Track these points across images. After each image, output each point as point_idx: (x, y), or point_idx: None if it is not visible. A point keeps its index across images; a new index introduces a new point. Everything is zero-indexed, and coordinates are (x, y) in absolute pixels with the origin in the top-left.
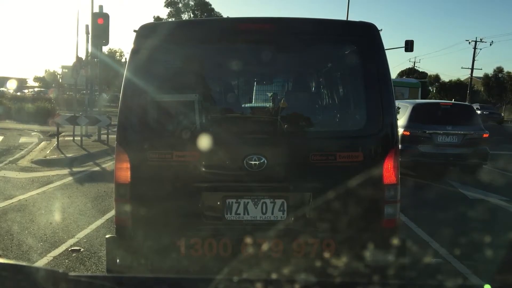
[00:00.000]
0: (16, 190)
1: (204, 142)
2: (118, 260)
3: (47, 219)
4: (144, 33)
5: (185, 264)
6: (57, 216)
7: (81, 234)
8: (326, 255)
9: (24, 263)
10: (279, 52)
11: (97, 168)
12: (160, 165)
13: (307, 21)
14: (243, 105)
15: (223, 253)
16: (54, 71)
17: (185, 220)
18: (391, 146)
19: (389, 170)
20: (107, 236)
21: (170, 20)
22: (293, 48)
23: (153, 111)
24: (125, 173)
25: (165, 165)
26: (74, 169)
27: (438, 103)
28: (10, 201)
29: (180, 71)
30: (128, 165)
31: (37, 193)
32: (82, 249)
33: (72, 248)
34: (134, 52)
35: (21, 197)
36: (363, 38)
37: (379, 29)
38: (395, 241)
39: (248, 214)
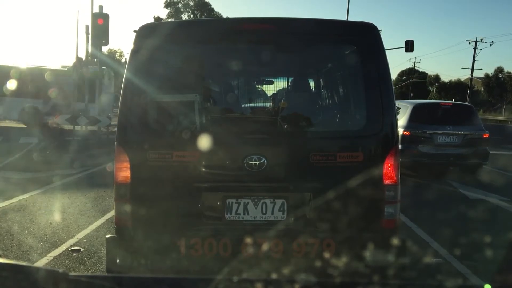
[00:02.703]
0: (16, 190)
1: (204, 142)
2: (118, 260)
3: (47, 219)
4: (144, 33)
5: (185, 264)
6: (57, 216)
7: (81, 234)
8: (326, 255)
9: (24, 263)
10: (279, 52)
11: (97, 168)
12: (160, 165)
13: (307, 21)
14: (243, 105)
15: (223, 253)
16: None
17: (185, 220)
18: (391, 146)
19: (389, 170)
20: (107, 236)
21: (170, 20)
22: (293, 48)
23: (153, 111)
24: (125, 173)
25: (165, 165)
26: (74, 169)
27: (438, 103)
28: (10, 201)
29: (180, 71)
30: (128, 165)
31: (37, 193)
32: (82, 249)
33: (72, 248)
34: (134, 52)
35: (21, 197)
36: (363, 38)
37: (379, 29)
38: (395, 241)
39: (248, 214)
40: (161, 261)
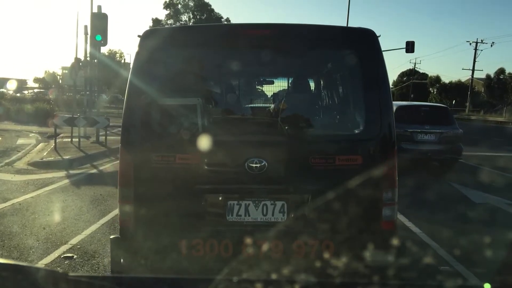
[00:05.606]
0: (10, 193)
1: (206, 145)
2: (121, 260)
3: (40, 224)
4: (148, 37)
5: (188, 265)
6: (50, 221)
7: (74, 240)
8: (326, 256)
9: (24, 263)
10: (282, 58)
11: (94, 170)
12: (163, 167)
13: (308, 27)
14: (244, 109)
15: (225, 253)
16: (53, 72)
17: (188, 221)
18: (389, 149)
19: (387, 173)
20: (111, 236)
21: (169, 21)
22: (294, 54)
23: (157, 114)
24: (128, 174)
25: (168, 167)
26: (71, 171)
27: (418, 105)
28: (3, 205)
29: (183, 75)
30: (132, 167)
31: (31, 197)
32: (75, 256)
33: (65, 255)
34: (138, 56)
35: (14, 200)
36: (362, 44)
37: (377, 34)
38: (394, 243)
39: (249, 215)
40: (164, 262)
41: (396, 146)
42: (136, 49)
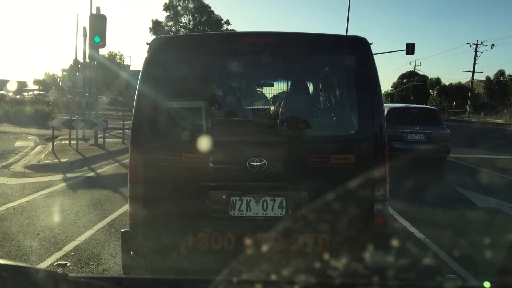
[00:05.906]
0: (5, 197)
1: (211, 145)
2: (132, 253)
3: (35, 229)
4: (157, 45)
5: (195, 258)
6: (45, 226)
7: (69, 247)
8: (321, 248)
9: (24, 264)
10: (281, 63)
11: (91, 174)
12: (170, 166)
13: (306, 35)
14: (246, 111)
15: (228, 246)
16: (53, 74)
17: (194, 217)
18: (381, 148)
19: (379, 170)
20: (122, 230)
21: (169, 23)
22: (293, 59)
23: (164, 116)
24: (138, 172)
25: (175, 166)
26: (68, 175)
27: (408, 107)
28: None
29: (189, 80)
30: (141, 166)
31: (26, 201)
32: (69, 264)
33: (58, 262)
34: (147, 62)
35: (9, 205)
36: (356, 51)
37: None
38: (386, 237)
39: (250, 210)
40: (171, 256)
41: (388, 146)
42: (145, 55)
